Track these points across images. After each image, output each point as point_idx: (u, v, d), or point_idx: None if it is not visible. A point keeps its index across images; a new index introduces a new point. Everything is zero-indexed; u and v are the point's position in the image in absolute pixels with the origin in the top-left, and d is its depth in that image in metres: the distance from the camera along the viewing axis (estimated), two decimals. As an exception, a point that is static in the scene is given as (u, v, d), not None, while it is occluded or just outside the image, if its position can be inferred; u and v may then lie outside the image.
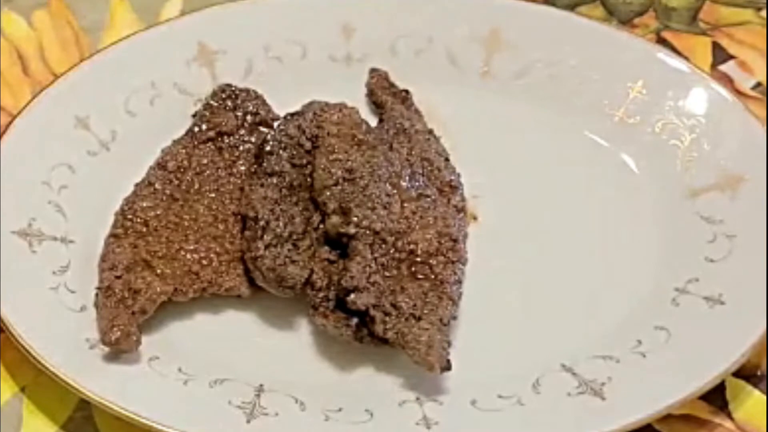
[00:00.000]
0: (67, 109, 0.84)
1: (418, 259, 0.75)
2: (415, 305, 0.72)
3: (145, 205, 0.78)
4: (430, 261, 0.75)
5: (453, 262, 0.75)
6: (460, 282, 0.75)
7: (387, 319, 0.71)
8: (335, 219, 0.75)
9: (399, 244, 0.75)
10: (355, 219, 0.74)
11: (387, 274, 0.73)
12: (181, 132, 0.83)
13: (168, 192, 0.79)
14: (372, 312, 0.71)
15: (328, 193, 0.76)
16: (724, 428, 0.73)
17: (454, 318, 0.74)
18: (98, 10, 0.98)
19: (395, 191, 0.77)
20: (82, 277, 0.75)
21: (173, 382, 0.71)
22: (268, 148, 0.78)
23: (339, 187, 0.76)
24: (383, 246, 0.74)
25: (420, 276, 0.74)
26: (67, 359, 0.70)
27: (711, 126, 0.85)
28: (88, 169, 0.81)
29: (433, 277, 0.74)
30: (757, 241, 0.77)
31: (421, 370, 0.71)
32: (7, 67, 0.93)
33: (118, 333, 0.71)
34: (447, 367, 0.71)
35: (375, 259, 0.73)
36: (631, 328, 0.75)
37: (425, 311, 0.72)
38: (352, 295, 0.71)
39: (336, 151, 0.78)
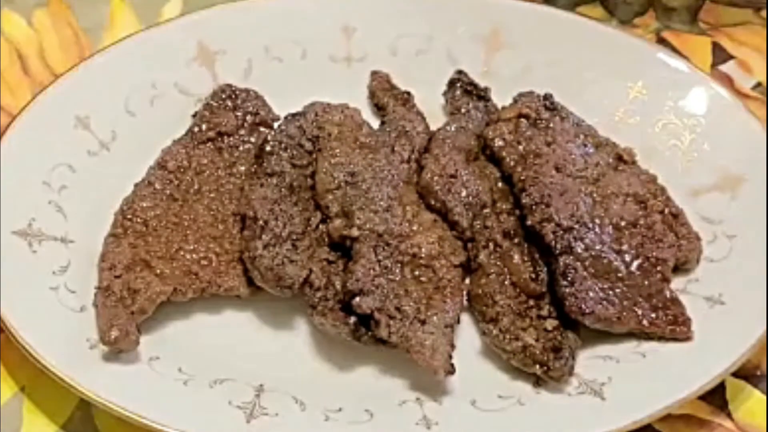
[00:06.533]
0: (67, 109, 0.84)
1: (421, 262, 0.75)
2: (419, 309, 0.72)
3: (144, 205, 0.78)
4: (433, 264, 0.75)
5: (455, 266, 0.76)
6: (463, 285, 0.75)
7: (391, 322, 0.71)
8: (338, 222, 0.75)
9: (402, 246, 0.75)
10: (357, 221, 0.74)
11: (390, 276, 0.73)
12: (181, 132, 0.83)
13: (168, 192, 0.79)
14: (377, 315, 0.71)
15: (330, 197, 0.76)
16: (724, 428, 0.73)
17: (458, 321, 0.74)
18: (98, 10, 0.98)
19: (397, 194, 0.78)
20: (82, 277, 0.75)
21: (173, 382, 0.71)
22: (268, 148, 0.78)
23: (341, 191, 0.76)
24: (386, 249, 0.74)
25: (423, 279, 0.74)
26: (67, 359, 0.70)
27: (711, 126, 0.85)
28: (88, 169, 0.81)
29: (436, 280, 0.74)
30: (757, 241, 0.77)
31: (421, 370, 0.71)
32: (7, 67, 0.93)
33: (117, 332, 0.71)
34: (451, 371, 0.71)
35: (378, 261, 0.73)
36: (631, 328, 0.75)
37: (429, 315, 0.72)
38: (357, 299, 0.71)
39: (338, 154, 0.78)
